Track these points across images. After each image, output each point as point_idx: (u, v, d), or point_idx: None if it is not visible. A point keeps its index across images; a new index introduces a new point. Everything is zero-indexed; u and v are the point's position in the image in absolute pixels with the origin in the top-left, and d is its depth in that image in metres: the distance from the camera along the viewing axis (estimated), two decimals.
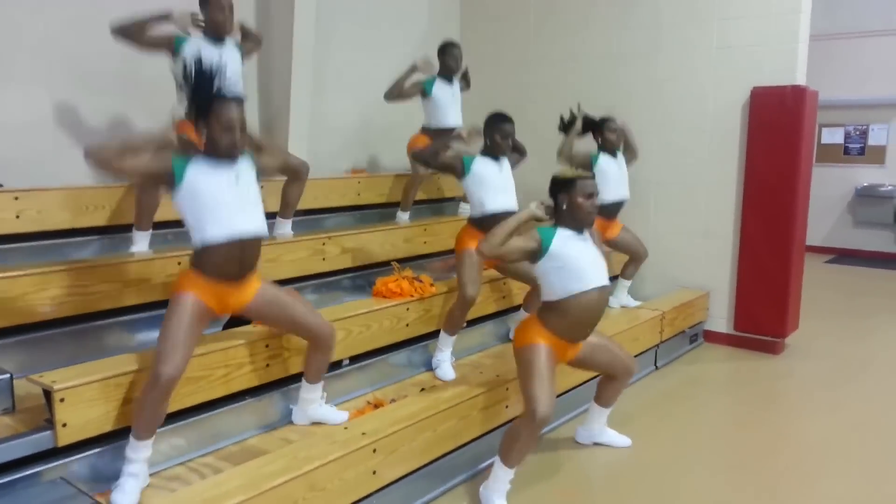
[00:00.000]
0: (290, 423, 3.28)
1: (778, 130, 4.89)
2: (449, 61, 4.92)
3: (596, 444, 3.57)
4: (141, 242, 3.74)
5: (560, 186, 2.99)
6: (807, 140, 4.96)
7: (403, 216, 5.10)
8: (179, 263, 3.49)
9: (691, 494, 3.14)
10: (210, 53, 3.47)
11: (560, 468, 3.36)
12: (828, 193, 8.98)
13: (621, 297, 5.13)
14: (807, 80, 5.01)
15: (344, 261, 4.35)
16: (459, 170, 3.85)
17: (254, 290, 2.84)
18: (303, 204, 4.66)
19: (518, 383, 3.01)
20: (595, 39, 5.76)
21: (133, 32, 3.52)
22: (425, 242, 4.88)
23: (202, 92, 2.61)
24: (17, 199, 3.45)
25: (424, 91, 4.90)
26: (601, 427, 3.56)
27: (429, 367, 4.02)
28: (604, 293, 3.00)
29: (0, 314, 2.96)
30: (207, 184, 2.61)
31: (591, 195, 2.96)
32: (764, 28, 4.95)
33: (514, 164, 4.03)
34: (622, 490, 3.18)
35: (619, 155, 4.80)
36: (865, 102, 8.83)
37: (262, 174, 2.91)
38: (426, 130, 5.01)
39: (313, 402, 3.19)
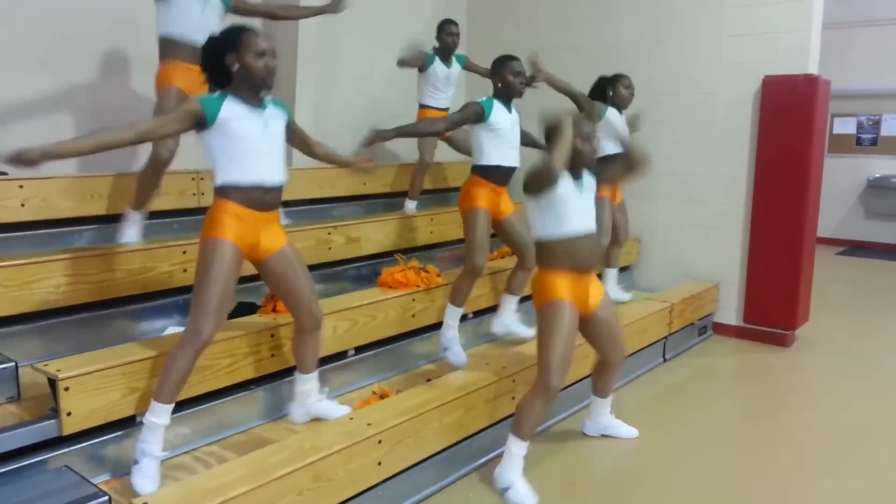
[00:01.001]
0: None
1: (790, 120, 4.82)
2: (446, 38, 4.85)
3: (604, 435, 3.54)
4: (133, 228, 3.61)
5: (556, 132, 2.90)
6: (819, 130, 4.89)
7: (411, 205, 5.05)
8: (184, 252, 3.48)
9: (700, 488, 3.11)
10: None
11: (568, 461, 3.34)
12: (839, 184, 8.89)
13: (610, 289, 4.92)
14: (820, 69, 4.94)
15: (349, 250, 4.33)
16: (480, 114, 3.57)
17: (282, 242, 2.81)
18: (308, 193, 4.67)
19: (537, 342, 2.97)
20: (605, 28, 5.70)
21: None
22: (431, 232, 4.86)
23: (229, 29, 2.61)
24: (21, 187, 3.44)
25: (425, 63, 4.83)
26: (608, 418, 3.53)
27: (435, 357, 4.00)
28: (592, 236, 3.00)
29: (5, 302, 2.95)
30: (239, 127, 2.58)
31: (589, 137, 2.90)
32: (776, 16, 4.88)
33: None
34: (630, 482, 3.15)
35: (624, 113, 4.64)
36: (879, 92, 8.72)
37: (294, 140, 2.94)
38: (424, 107, 4.94)
39: (311, 395, 3.11)
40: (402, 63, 4.78)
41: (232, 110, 2.58)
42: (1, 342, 2.95)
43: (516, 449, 2.95)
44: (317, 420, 3.13)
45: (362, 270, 4.47)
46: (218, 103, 2.56)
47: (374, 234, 4.48)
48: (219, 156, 2.61)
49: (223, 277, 2.58)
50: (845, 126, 9.11)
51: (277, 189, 2.75)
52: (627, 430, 3.55)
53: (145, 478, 2.51)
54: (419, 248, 4.75)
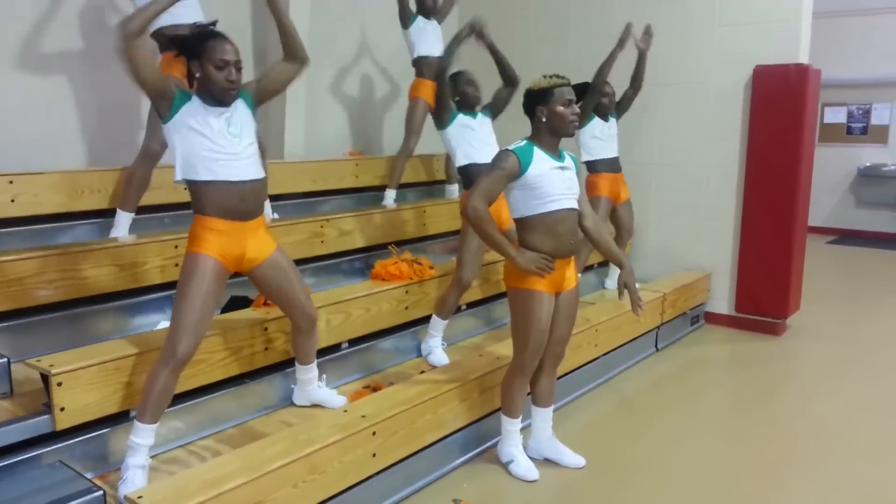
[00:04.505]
0: (290, 405, 3.29)
1: (780, 109, 4.84)
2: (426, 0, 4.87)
3: (546, 459, 3.20)
4: (123, 226, 3.62)
5: (537, 98, 2.81)
6: (809, 119, 4.91)
7: (391, 195, 4.94)
8: (176, 247, 3.47)
9: (692, 476, 3.14)
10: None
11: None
12: (830, 173, 8.94)
13: (614, 280, 5.13)
14: (810, 58, 4.95)
15: (342, 243, 4.33)
16: (445, 120, 3.79)
17: (269, 250, 2.76)
18: (300, 187, 4.66)
19: (512, 324, 2.94)
20: (596, 16, 5.69)
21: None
22: (424, 224, 4.85)
23: (196, 34, 2.58)
24: (11, 182, 3.42)
25: (408, 22, 4.83)
26: (552, 440, 3.21)
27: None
28: (572, 213, 2.85)
29: None
30: (198, 127, 2.53)
31: (571, 101, 2.79)
32: (767, 5, 4.89)
33: (506, 99, 3.92)
34: (623, 471, 3.17)
35: (611, 119, 4.78)
36: (869, 81, 8.76)
37: (266, 96, 2.79)
38: (416, 64, 4.91)
39: (311, 383, 3.20)
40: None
41: (193, 109, 2.55)
42: None
43: (510, 426, 3.07)
44: (316, 406, 3.22)
45: (355, 263, 4.47)
46: (182, 99, 2.54)
47: (367, 226, 4.47)
48: (180, 153, 2.55)
49: (202, 294, 2.53)
50: (836, 115, 9.15)
51: (251, 192, 2.63)
52: (572, 458, 3.17)
53: (134, 488, 2.44)
54: (411, 241, 4.75)
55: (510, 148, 2.81)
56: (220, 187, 2.56)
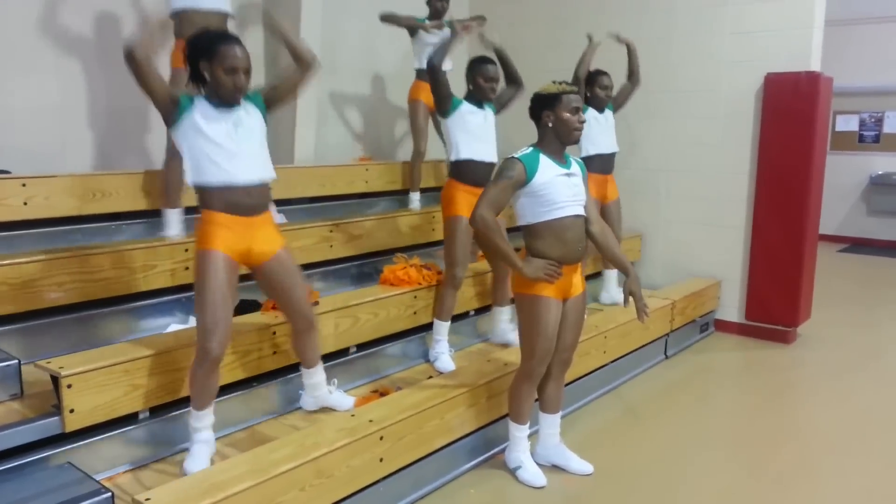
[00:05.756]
0: (298, 409, 3.30)
1: (792, 117, 4.82)
2: (435, 4, 4.92)
3: (554, 465, 3.18)
4: (174, 224, 3.71)
5: (544, 103, 2.81)
6: (821, 127, 4.88)
7: (415, 197, 5.05)
8: (186, 250, 3.49)
9: (701, 483, 3.11)
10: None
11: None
12: (842, 181, 8.88)
13: (612, 292, 5.01)
14: (822, 66, 4.93)
15: (351, 248, 4.34)
16: (447, 107, 3.67)
17: (276, 247, 2.79)
18: (310, 191, 4.68)
19: (520, 331, 2.94)
20: (609, 23, 5.68)
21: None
22: (433, 230, 4.86)
23: (204, 34, 2.60)
24: (24, 185, 3.45)
25: (415, 28, 4.88)
26: (559, 446, 3.20)
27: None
28: (579, 219, 2.87)
29: (8, 300, 2.97)
30: (205, 130, 2.56)
31: (578, 109, 2.78)
32: (779, 13, 4.87)
33: (509, 99, 3.85)
34: (633, 477, 3.15)
35: (607, 111, 4.69)
36: (881, 89, 8.70)
37: (279, 100, 2.82)
38: (420, 73, 4.98)
39: (319, 388, 3.20)
40: (387, 17, 4.83)
41: (200, 112, 2.57)
42: (4, 340, 2.96)
43: (517, 433, 3.07)
44: (326, 410, 3.23)
45: (364, 268, 4.47)
46: (188, 104, 2.57)
47: (376, 231, 4.48)
48: (188, 155, 2.60)
49: (220, 289, 2.58)
50: (848, 123, 9.10)
51: (257, 189, 2.69)
52: (579, 464, 3.15)
53: (195, 460, 2.65)
54: (421, 246, 4.75)
55: (516, 156, 2.80)
56: (226, 187, 2.61)
